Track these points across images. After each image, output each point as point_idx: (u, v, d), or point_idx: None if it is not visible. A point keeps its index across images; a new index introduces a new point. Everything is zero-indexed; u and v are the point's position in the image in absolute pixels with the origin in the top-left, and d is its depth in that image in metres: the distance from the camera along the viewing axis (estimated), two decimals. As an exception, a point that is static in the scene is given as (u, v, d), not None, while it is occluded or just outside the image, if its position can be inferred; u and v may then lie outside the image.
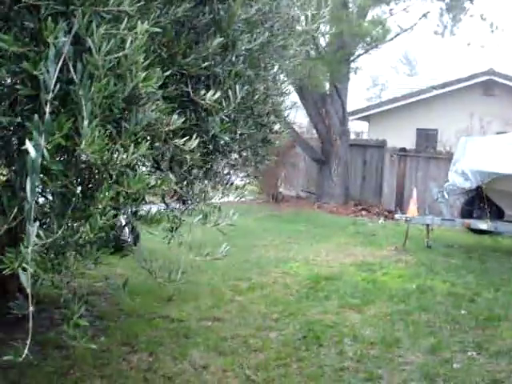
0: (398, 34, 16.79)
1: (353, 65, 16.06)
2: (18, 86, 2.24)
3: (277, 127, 4.96)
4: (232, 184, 4.94)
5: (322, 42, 15.58)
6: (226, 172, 4.90)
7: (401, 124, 19.28)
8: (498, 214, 11.39)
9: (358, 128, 30.69)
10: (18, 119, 2.33)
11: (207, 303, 6.76)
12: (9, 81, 2.30)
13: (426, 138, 19.41)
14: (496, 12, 20.90)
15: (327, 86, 16.37)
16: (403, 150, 16.66)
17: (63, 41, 2.03)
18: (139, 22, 2.15)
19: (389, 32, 15.11)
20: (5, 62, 2.23)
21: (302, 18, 4.30)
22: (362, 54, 15.56)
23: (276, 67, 4.31)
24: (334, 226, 13.26)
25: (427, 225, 11.00)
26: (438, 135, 18.65)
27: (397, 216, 11.93)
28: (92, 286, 6.64)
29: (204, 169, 4.66)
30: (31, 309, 1.81)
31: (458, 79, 19.54)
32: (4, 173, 2.86)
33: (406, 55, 66.12)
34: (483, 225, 10.81)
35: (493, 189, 10.82)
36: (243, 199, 15.29)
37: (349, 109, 20.04)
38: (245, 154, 5.32)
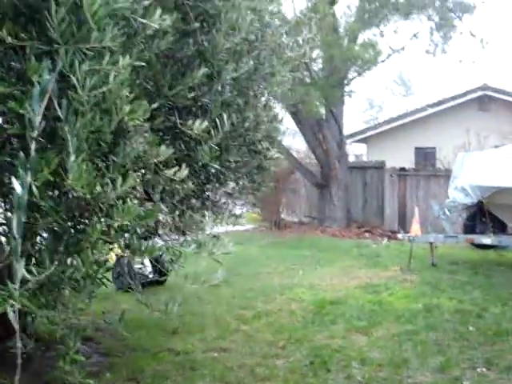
0: (389, 56, 16.96)
1: (347, 88, 16.19)
2: (6, 126, 2.27)
3: (271, 153, 4.99)
4: (230, 212, 4.95)
5: (315, 67, 15.74)
6: (223, 201, 4.92)
7: (398, 144, 19.36)
8: (500, 227, 11.37)
9: (357, 150, 30.81)
10: (8, 158, 2.35)
11: (212, 334, 6.70)
12: (-1, 121, 2.33)
13: (425, 156, 19.47)
14: (485, 27, 21.11)
15: (323, 110, 16.48)
16: (403, 169, 16.71)
17: (47, 79, 2.06)
18: (120, 57, 2.19)
19: (380, 54, 15.26)
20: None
21: (290, 44, 4.36)
22: (354, 78, 15.69)
23: (266, 94, 4.35)
24: (338, 249, 13.23)
25: (431, 243, 10.96)
26: (436, 153, 18.71)
27: (400, 236, 11.90)
28: (96, 323, 6.60)
29: (201, 198, 4.68)
30: (19, 344, 1.81)
31: (452, 96, 19.69)
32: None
33: (401, 76, 66.57)
34: (487, 239, 10.78)
35: (494, 203, 10.82)
36: (246, 227, 15.24)
37: (346, 132, 20.18)
38: (241, 182, 5.35)
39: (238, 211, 5.47)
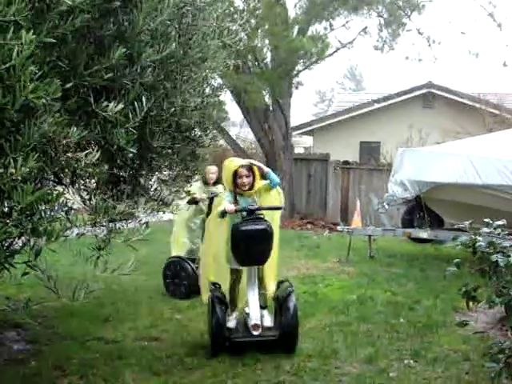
0: (337, 49, 17.07)
1: (294, 80, 16.21)
2: None
3: (205, 141, 4.92)
4: (161, 200, 4.87)
5: (267, 58, 15.70)
6: (154, 188, 4.83)
7: (344, 138, 19.55)
8: (437, 222, 11.59)
9: (308, 143, 31.00)
10: None
11: (145, 323, 6.62)
12: None
13: (370, 150, 19.71)
14: (433, 26, 21.47)
15: (269, 101, 16.47)
16: (346, 162, 16.88)
17: None
18: (23, 32, 2.09)
19: (328, 47, 15.34)
20: None
21: (225, 30, 4.30)
22: (302, 70, 15.72)
23: (200, 80, 4.27)
24: (279, 240, 13.25)
25: (369, 236, 11.11)
26: (380, 148, 18.96)
27: (339, 228, 12.03)
28: (17, 311, 6.42)
29: (131, 185, 4.58)
30: None
31: (398, 92, 20.01)
32: None
33: (352, 71, 67.52)
34: (424, 234, 10.97)
35: (431, 198, 11.02)
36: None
37: (295, 124, 20.25)
38: (176, 169, 5.27)
39: (172, 199, 5.39)
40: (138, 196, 4.60)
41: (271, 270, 6.07)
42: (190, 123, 4.13)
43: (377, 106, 19.56)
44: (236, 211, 5.53)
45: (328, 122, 20.54)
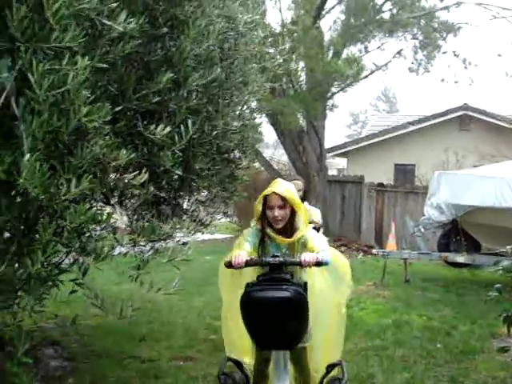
0: (372, 72, 17.14)
1: (329, 102, 16.27)
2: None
3: (244, 163, 4.99)
4: (199, 221, 4.93)
5: (302, 80, 15.81)
6: (193, 209, 4.90)
7: (379, 160, 19.48)
8: (474, 246, 11.45)
9: (339, 164, 30.99)
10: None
11: (180, 343, 6.65)
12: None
13: (404, 173, 19.61)
14: (469, 48, 21.38)
15: (304, 123, 16.53)
16: (381, 185, 16.80)
17: (6, 76, 2.04)
18: (79, 57, 2.18)
19: (363, 70, 15.37)
20: None
21: (265, 55, 4.38)
22: (337, 92, 15.76)
23: (241, 104, 4.35)
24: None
25: (405, 259, 11.01)
26: (415, 170, 18.85)
27: (374, 251, 11.96)
28: (63, 328, 6.52)
29: (170, 206, 4.66)
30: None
31: (433, 115, 19.90)
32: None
33: (386, 92, 67.35)
34: (460, 258, 10.85)
35: (468, 221, 10.91)
36: (224, 236, 15.15)
37: (328, 145, 20.28)
38: (213, 190, 5.33)
39: (211, 220, 5.44)
40: (177, 217, 4.67)
41: (320, 352, 4.28)
42: (230, 145, 4.20)
43: (412, 128, 19.49)
44: (248, 265, 3.64)
45: (362, 144, 20.52)
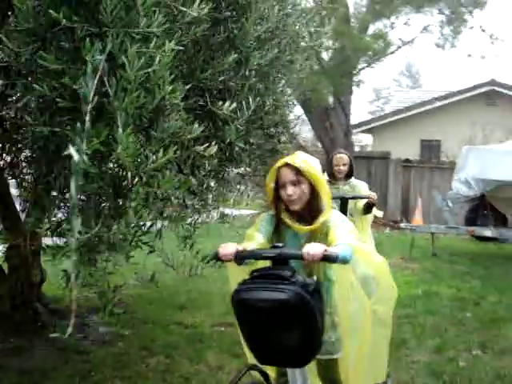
0: (399, 47, 17.14)
1: (355, 78, 16.36)
2: (57, 99, 2.51)
3: (284, 138, 5.22)
4: (242, 194, 5.17)
5: (325, 56, 15.90)
6: (236, 181, 5.15)
7: (404, 136, 19.54)
8: (501, 220, 11.60)
9: (362, 141, 31.01)
10: (57, 129, 2.59)
11: (219, 310, 6.93)
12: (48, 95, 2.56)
13: (430, 148, 19.67)
14: (496, 23, 21.22)
15: (331, 99, 16.65)
16: (407, 160, 16.92)
17: (99, 58, 2.30)
18: (167, 42, 2.43)
19: (390, 45, 15.43)
20: (45, 79, 2.50)
21: (306, 34, 4.59)
22: (364, 68, 15.86)
23: (283, 81, 4.58)
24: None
25: (432, 233, 11.20)
26: (441, 146, 18.90)
27: (402, 225, 12.16)
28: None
29: (217, 177, 4.92)
30: (75, 294, 2.04)
31: (459, 90, 19.86)
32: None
33: (409, 68, 66.62)
34: (487, 232, 11.01)
35: (496, 196, 11.05)
36: (249, 212, 15.36)
37: (352, 122, 20.37)
38: (254, 163, 5.57)
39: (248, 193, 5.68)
40: (222, 188, 4.93)
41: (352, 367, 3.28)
42: (275, 120, 4.44)
43: (438, 103, 19.48)
44: (237, 259, 2.85)
45: (388, 120, 20.55)
